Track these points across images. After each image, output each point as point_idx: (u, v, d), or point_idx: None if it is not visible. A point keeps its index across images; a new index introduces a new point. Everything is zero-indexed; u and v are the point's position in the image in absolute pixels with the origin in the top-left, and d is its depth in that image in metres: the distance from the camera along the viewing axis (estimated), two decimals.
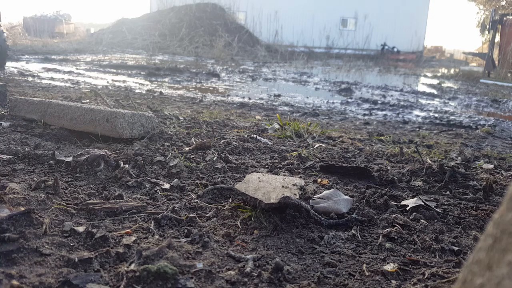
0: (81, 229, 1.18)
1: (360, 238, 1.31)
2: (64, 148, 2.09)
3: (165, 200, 1.52)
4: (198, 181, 1.73)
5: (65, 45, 14.14)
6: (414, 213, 1.50)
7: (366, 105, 5.93)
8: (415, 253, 1.23)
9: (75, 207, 1.36)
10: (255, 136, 2.74)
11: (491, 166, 2.37)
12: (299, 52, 18.47)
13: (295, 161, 2.14)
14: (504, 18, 13.45)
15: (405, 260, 1.18)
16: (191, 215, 1.36)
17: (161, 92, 5.45)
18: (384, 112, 5.29)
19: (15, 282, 0.90)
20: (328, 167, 2.03)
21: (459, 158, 2.54)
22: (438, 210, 1.56)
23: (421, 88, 9.59)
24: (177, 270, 0.99)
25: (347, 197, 1.59)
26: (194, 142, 2.31)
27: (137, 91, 5.53)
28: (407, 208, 1.57)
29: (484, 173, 2.19)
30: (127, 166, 1.76)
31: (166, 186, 1.65)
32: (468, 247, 1.29)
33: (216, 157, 2.03)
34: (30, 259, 1.02)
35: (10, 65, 7.60)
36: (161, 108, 3.78)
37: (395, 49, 24.92)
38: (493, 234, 0.51)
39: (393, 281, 1.06)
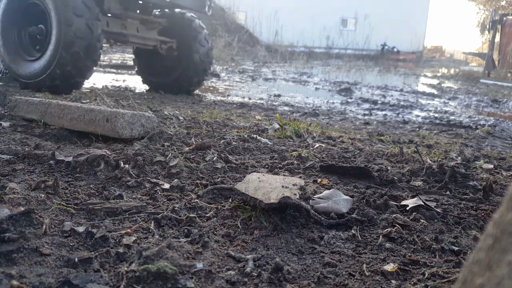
0: (81, 229, 1.18)
1: (360, 238, 1.31)
2: (64, 148, 2.09)
3: (165, 200, 1.52)
4: (198, 181, 1.73)
5: None
6: (414, 213, 1.50)
7: (366, 105, 5.93)
8: (415, 253, 1.23)
9: (75, 207, 1.36)
10: (255, 136, 2.74)
11: (491, 166, 2.37)
12: (299, 52, 18.47)
13: (295, 161, 2.14)
14: (504, 18, 13.46)
15: (405, 260, 1.18)
16: (191, 215, 1.36)
17: (161, 92, 5.45)
18: (384, 112, 5.29)
19: (15, 282, 0.90)
20: (328, 167, 2.03)
21: (459, 158, 2.54)
22: (438, 210, 1.56)
23: (421, 88, 9.59)
24: (177, 270, 0.98)
25: (347, 197, 1.59)
26: (194, 142, 2.31)
27: (137, 91, 5.53)
28: (407, 208, 1.57)
29: (484, 173, 2.19)
30: (127, 166, 1.76)
31: (166, 186, 1.64)
32: (468, 247, 1.29)
33: (216, 157, 2.03)
34: (30, 259, 1.02)
35: None
36: (161, 108, 3.78)
37: (395, 49, 24.92)
38: (493, 234, 0.51)
39: (393, 281, 1.06)
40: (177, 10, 5.40)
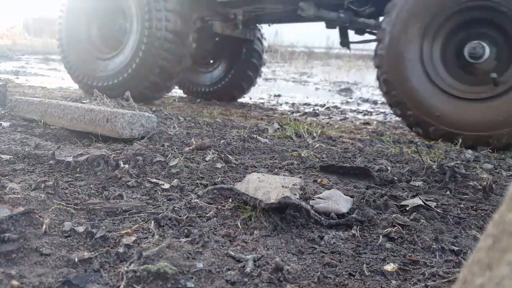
0: (81, 229, 1.18)
1: (360, 238, 1.31)
2: (64, 148, 2.09)
3: (165, 200, 1.52)
4: (198, 181, 1.73)
5: None
6: (414, 213, 1.50)
7: (366, 105, 5.93)
8: (415, 253, 1.23)
9: (75, 207, 1.36)
10: (255, 136, 2.74)
11: (491, 166, 2.37)
12: (299, 52, 18.45)
13: (295, 161, 2.14)
14: None
15: (405, 260, 1.18)
16: (191, 215, 1.36)
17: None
18: (384, 112, 5.29)
19: (15, 282, 0.90)
20: (328, 167, 2.03)
21: (459, 158, 2.54)
22: (438, 210, 1.56)
23: None
24: (177, 270, 0.99)
25: (347, 197, 1.59)
26: (194, 142, 2.31)
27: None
28: (407, 208, 1.57)
29: (484, 173, 2.19)
30: (127, 166, 1.76)
31: (166, 186, 1.64)
32: (468, 247, 1.29)
33: (216, 157, 2.03)
34: (30, 259, 1.02)
35: (11, 65, 7.57)
36: (161, 108, 3.78)
37: None
38: (493, 234, 0.51)
39: (393, 281, 1.06)
40: None
